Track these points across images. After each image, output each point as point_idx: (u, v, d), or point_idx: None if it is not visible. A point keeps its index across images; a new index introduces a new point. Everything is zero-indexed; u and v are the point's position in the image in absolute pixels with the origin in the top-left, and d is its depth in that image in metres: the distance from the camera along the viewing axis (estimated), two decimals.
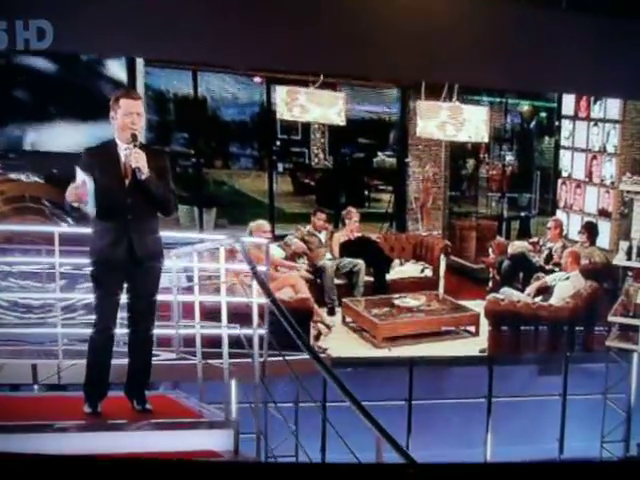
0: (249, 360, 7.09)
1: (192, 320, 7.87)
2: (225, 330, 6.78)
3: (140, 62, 11.04)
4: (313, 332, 11.58)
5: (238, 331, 6.88)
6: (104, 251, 6.03)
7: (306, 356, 6.94)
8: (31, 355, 8.89)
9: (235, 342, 6.96)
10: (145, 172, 5.91)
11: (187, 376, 8.04)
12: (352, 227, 12.17)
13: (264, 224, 11.49)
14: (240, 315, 7.47)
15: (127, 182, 5.98)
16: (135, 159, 5.90)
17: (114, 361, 6.37)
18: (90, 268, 6.22)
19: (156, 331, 7.41)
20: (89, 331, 6.29)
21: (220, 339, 7.04)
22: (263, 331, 7.44)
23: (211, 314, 8.17)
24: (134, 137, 5.96)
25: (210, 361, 7.29)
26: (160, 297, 6.97)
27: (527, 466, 4.66)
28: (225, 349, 6.75)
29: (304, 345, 5.98)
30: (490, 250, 12.76)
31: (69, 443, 5.81)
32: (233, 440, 6.31)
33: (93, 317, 6.46)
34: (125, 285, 6.18)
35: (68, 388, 8.75)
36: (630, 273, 12.49)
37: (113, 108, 5.95)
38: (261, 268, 7.62)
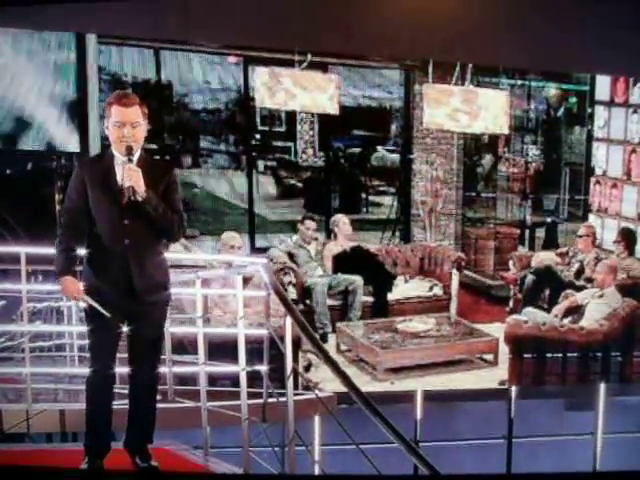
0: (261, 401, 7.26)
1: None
2: (243, 367, 6.46)
3: (92, 39, 10.56)
4: (302, 363, 11.00)
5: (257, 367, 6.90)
6: (97, 283, 5.50)
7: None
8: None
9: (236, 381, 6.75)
10: (141, 192, 5.34)
11: (179, 423, 7.54)
12: (345, 236, 11.73)
13: (233, 237, 11.07)
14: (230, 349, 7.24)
15: (124, 201, 5.38)
16: (129, 177, 5.32)
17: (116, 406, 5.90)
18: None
19: None
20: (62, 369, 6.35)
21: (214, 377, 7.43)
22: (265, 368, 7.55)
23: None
24: (129, 150, 5.35)
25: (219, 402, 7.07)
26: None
27: None
28: (244, 390, 6.45)
29: (339, 374, 5.64)
30: (511, 263, 12.26)
31: None
32: None
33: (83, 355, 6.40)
34: (125, 322, 5.60)
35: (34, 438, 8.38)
36: None
37: (106, 116, 5.39)
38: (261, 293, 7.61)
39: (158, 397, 7.92)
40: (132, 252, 5.45)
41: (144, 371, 5.76)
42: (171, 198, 5.56)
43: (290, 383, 6.26)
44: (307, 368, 11.14)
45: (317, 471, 9.30)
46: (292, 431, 6.05)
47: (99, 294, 5.50)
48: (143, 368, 5.75)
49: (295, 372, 6.93)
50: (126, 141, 5.37)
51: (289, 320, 6.32)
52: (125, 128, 5.31)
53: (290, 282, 11.36)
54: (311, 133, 12.12)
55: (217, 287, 10.39)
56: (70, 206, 5.45)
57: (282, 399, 6.56)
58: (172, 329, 8.21)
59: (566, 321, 11.69)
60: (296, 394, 7.51)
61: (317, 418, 10.41)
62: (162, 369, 8.47)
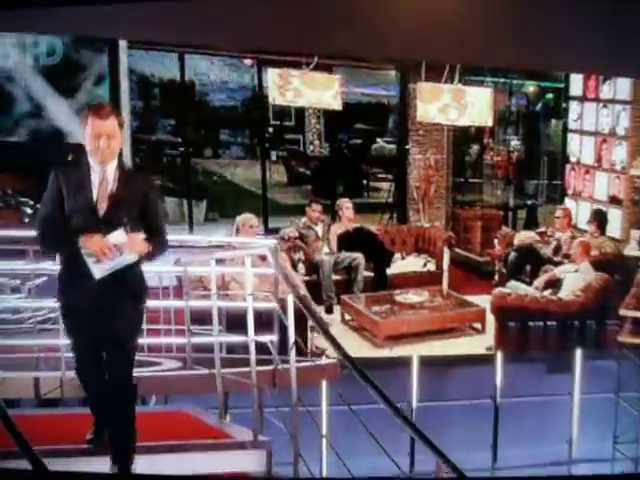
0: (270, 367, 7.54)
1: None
2: (252, 338, 6.76)
3: (123, 44, 11.12)
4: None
5: (262, 338, 7.11)
6: (72, 294, 5.36)
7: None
8: (31, 366, 8.62)
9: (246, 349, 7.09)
10: (128, 255, 5.23)
11: (193, 388, 8.00)
12: (347, 217, 12.13)
13: (251, 218, 11.30)
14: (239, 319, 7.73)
15: (101, 211, 5.25)
16: (133, 244, 5.23)
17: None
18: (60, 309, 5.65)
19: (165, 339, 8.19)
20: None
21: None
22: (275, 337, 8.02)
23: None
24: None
25: (231, 369, 7.30)
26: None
27: None
28: (252, 357, 6.76)
29: (338, 349, 6.12)
30: (496, 241, 12.60)
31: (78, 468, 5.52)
32: (266, 461, 6.27)
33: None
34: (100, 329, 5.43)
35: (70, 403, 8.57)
36: None
37: (83, 125, 5.28)
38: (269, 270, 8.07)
39: (178, 364, 8.39)
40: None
41: (120, 376, 5.56)
42: (152, 215, 5.46)
43: (293, 353, 6.51)
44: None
45: (324, 430, 9.86)
46: (295, 396, 6.31)
47: (73, 299, 5.35)
48: (118, 373, 5.55)
49: (303, 342, 7.47)
50: (102, 152, 5.21)
51: (291, 297, 6.59)
52: (101, 139, 5.18)
53: (300, 259, 11.70)
54: (318, 127, 12.79)
55: (234, 264, 10.47)
56: (45, 214, 5.32)
57: (287, 366, 6.95)
58: (192, 302, 8.54)
59: (546, 293, 11.85)
60: (302, 361, 7.97)
61: (324, 383, 10.63)
62: (180, 339, 8.70)
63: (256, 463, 6.26)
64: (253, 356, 6.78)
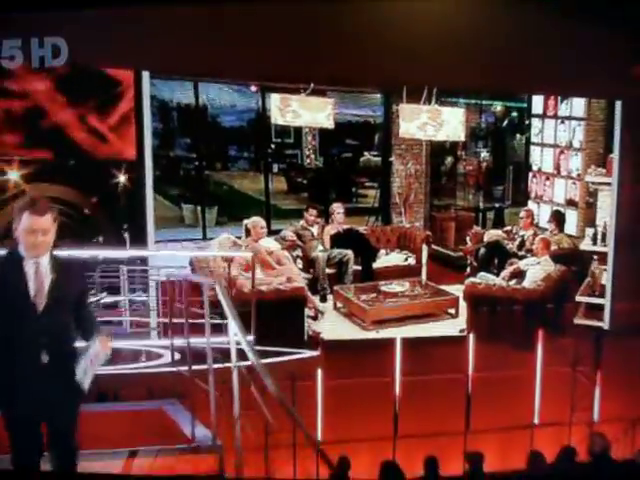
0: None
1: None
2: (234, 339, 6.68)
3: (146, 74, 11.02)
4: (311, 313, 11.83)
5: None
6: (9, 378, 4.93)
7: None
8: None
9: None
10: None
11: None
12: (339, 220, 12.43)
13: (260, 221, 11.68)
14: None
15: (39, 305, 4.90)
16: (105, 348, 5.00)
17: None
18: None
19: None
20: None
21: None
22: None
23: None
24: None
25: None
26: None
27: None
28: (210, 361, 6.78)
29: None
30: (468, 239, 13.04)
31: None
32: (218, 464, 6.41)
33: None
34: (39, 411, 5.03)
35: None
36: (595, 257, 12.60)
37: (15, 219, 4.91)
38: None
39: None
40: (46, 349, 4.89)
41: (62, 449, 5.18)
42: (84, 305, 5.15)
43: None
44: (314, 318, 11.93)
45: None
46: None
47: (12, 387, 4.91)
48: (61, 447, 5.16)
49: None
50: (37, 247, 4.86)
51: (232, 325, 6.54)
52: (36, 235, 4.83)
53: (298, 256, 12.14)
54: (313, 143, 13.18)
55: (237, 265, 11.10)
56: None
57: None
58: None
59: (511, 283, 12.30)
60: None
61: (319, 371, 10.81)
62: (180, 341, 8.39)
63: (210, 464, 6.39)
64: (210, 360, 6.74)
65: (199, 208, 12.38)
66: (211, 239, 11.94)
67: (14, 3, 9.38)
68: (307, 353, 11.11)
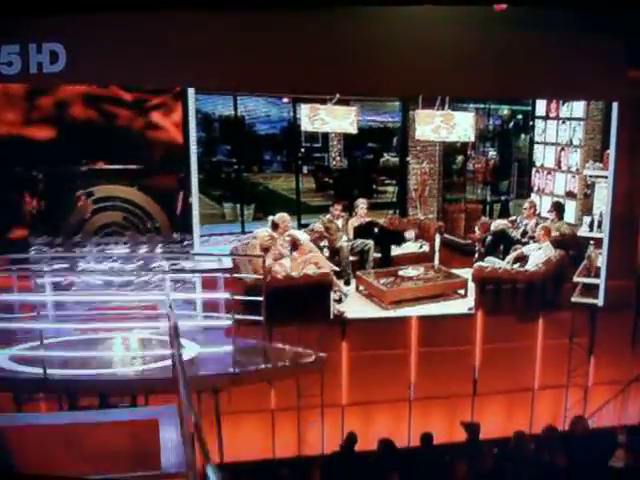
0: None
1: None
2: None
3: (191, 91, 11.59)
4: (335, 297, 12.32)
5: None
6: None
7: None
8: None
9: None
10: None
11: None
12: (361, 214, 12.79)
13: (285, 216, 12.23)
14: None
15: None
16: None
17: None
18: None
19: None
20: None
21: None
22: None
23: None
24: None
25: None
26: None
27: None
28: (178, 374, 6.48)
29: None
30: (476, 228, 13.36)
31: None
32: None
33: None
34: None
35: None
36: (591, 242, 13.05)
37: None
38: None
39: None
40: None
41: None
42: None
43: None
44: (338, 301, 12.39)
45: None
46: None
47: None
48: None
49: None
50: None
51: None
52: None
53: (325, 246, 12.52)
54: (339, 146, 13.26)
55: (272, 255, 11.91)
56: None
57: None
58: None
59: (515, 266, 12.80)
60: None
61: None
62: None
63: None
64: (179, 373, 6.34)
65: (238, 206, 12.65)
66: (250, 232, 12.53)
67: (12, 8, 9.32)
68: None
